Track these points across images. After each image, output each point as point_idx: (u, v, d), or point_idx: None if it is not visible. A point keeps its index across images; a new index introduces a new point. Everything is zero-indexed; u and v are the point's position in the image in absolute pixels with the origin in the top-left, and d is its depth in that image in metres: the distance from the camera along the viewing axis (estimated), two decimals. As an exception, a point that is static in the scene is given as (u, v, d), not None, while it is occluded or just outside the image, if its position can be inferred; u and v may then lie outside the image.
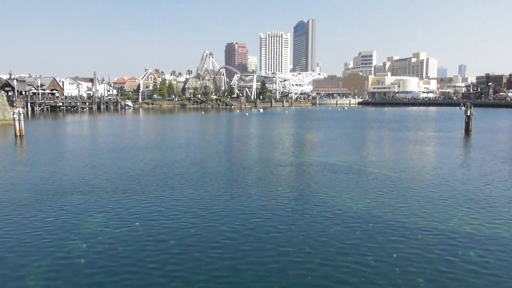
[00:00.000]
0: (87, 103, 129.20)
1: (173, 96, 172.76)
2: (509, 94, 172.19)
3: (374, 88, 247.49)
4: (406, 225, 14.41)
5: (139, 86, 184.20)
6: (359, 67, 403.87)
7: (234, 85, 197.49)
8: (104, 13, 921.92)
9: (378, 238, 13.18)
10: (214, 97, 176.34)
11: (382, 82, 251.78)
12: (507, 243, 12.75)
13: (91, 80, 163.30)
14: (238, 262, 11.43)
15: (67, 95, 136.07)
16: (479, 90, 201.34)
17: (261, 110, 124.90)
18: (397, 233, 13.61)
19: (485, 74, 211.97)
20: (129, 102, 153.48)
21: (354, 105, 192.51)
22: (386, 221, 14.93)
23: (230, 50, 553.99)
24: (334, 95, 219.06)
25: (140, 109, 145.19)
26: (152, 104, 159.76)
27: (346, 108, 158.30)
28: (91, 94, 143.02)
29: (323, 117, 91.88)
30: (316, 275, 10.59)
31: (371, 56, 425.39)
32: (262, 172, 24.72)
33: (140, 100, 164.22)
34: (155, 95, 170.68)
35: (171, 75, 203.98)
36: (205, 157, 30.92)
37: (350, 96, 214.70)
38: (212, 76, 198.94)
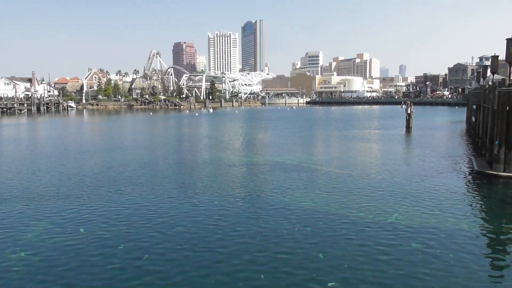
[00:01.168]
0: (25, 105, 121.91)
1: (119, 97, 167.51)
2: (444, 92, 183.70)
3: (321, 88, 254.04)
4: (354, 220, 14.87)
5: (82, 86, 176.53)
6: (306, 67, 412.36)
7: (183, 85, 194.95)
8: (42, 7, 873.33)
9: (327, 234, 13.49)
10: (163, 97, 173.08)
11: (329, 82, 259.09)
12: (446, 233, 13.50)
13: (30, 80, 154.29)
14: (190, 266, 11.22)
15: (2, 96, 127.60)
16: (418, 89, 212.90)
17: (211, 110, 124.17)
18: (346, 228, 14.00)
19: (423, 74, 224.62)
20: (72, 103, 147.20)
21: (302, 104, 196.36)
22: (335, 217, 15.33)
23: (178, 50, 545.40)
24: (283, 94, 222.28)
25: (84, 110, 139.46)
26: (97, 105, 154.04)
27: (294, 107, 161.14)
28: (30, 95, 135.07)
29: (272, 117, 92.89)
30: (268, 273, 10.63)
31: (317, 56, 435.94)
32: (213, 173, 24.53)
33: (84, 101, 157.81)
34: (100, 96, 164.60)
35: (116, 75, 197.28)
36: (154, 160, 30.17)
37: (298, 95, 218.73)
38: (160, 76, 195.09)
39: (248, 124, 70.47)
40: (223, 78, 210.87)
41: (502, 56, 31.13)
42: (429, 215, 15.38)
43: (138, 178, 22.82)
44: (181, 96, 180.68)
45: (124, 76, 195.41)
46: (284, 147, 36.69)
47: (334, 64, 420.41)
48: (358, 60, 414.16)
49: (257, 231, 13.89)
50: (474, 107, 47.80)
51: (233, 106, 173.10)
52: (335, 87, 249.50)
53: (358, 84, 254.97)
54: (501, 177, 21.32)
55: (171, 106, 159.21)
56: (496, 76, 35.41)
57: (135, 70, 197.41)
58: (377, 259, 11.43)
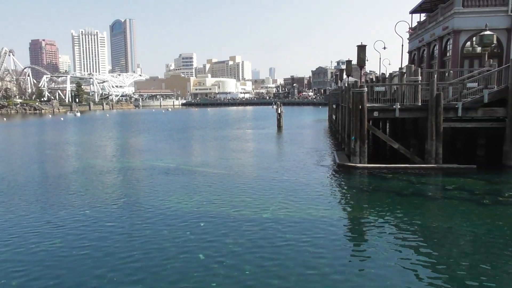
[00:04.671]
0: None
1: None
2: (309, 93, 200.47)
3: (196, 89, 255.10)
4: (233, 219, 15.28)
5: None
6: (180, 69, 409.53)
7: (44, 87, 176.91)
8: None
9: (208, 235, 13.61)
10: (19, 101, 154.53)
11: (204, 84, 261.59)
12: (315, 222, 14.74)
13: None
14: (63, 283, 10.26)
15: None
16: (286, 90, 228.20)
17: (78, 114, 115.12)
18: (226, 227, 14.30)
19: (291, 76, 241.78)
20: None
21: (178, 106, 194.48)
22: (214, 217, 15.54)
23: (36, 48, 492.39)
24: (158, 96, 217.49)
25: None
26: None
27: (170, 109, 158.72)
28: None
29: (147, 120, 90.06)
30: (148, 279, 10.30)
31: (191, 58, 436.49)
32: (83, 183, 22.73)
33: None
34: None
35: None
36: (9, 172, 26.68)
37: (173, 97, 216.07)
38: (14, 77, 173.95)
39: (121, 128, 67.10)
40: (91, 80, 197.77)
41: (355, 61, 35.20)
42: (300, 207, 16.60)
43: (-9, 193, 19.95)
44: (42, 99, 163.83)
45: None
46: (160, 151, 35.88)
47: (208, 66, 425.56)
48: (231, 63, 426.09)
49: (135, 239, 13.33)
50: (334, 106, 53.18)
51: (103, 109, 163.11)
52: (210, 89, 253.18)
53: (232, 86, 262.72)
54: (358, 168, 24.14)
55: (30, 110, 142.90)
56: (351, 79, 39.76)
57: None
58: (255, 253, 11.94)
